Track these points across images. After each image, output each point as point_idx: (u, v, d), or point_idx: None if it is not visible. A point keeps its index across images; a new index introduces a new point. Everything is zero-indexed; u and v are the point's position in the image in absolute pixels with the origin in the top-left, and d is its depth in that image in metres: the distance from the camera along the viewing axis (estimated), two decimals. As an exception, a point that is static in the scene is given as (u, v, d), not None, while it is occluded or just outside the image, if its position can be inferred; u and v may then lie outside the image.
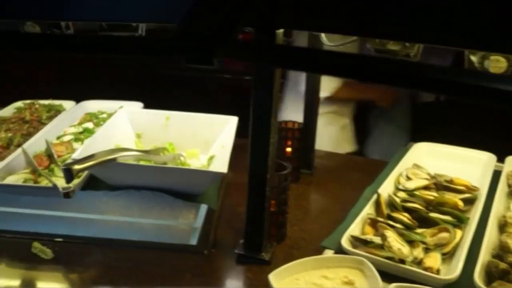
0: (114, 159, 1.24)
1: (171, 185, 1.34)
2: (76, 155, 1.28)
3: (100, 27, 1.63)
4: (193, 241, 1.28)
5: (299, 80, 2.22)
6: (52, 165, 1.44)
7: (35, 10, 1.13)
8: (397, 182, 1.51)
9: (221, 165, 1.29)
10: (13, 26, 1.36)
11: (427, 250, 1.20)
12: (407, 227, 1.27)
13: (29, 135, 1.64)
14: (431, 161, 1.67)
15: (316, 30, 1.16)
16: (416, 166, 1.62)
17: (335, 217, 1.52)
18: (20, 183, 1.32)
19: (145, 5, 0.95)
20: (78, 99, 1.93)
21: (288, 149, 1.67)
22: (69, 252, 1.27)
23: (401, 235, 1.21)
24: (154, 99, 1.84)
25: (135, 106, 1.82)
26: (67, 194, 1.20)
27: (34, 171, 1.39)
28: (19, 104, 1.89)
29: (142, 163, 1.36)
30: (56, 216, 1.29)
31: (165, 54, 0.87)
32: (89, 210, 1.32)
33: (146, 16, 0.88)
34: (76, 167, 1.14)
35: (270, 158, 1.14)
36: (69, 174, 1.14)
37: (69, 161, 1.39)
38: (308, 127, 1.75)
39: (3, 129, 1.68)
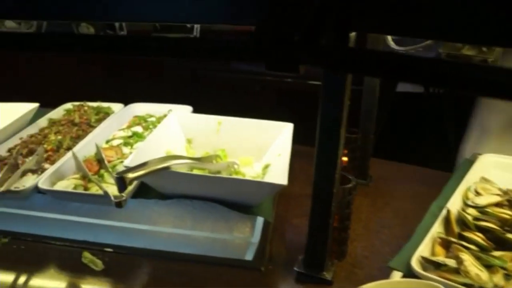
0: (167, 168, 1.17)
1: (225, 196, 1.27)
2: (128, 162, 1.22)
3: (154, 28, 1.58)
4: (249, 257, 1.20)
5: (484, 115, 2.08)
6: (102, 171, 1.39)
7: (89, 11, 1.08)
8: (465, 197, 1.39)
9: (280, 176, 1.21)
10: (68, 27, 1.33)
11: (507, 276, 1.08)
12: (482, 248, 1.16)
13: (78, 137, 1.60)
14: (499, 174, 1.54)
15: (393, 33, 1.07)
16: (484, 180, 1.49)
17: (396, 232, 1.42)
18: (70, 189, 1.27)
19: (208, 6, 0.89)
20: (126, 102, 1.89)
21: (345, 158, 1.58)
22: (119, 263, 1.22)
23: (477, 258, 1.10)
24: (201, 102, 1.79)
25: (184, 110, 1.76)
26: (119, 204, 1.14)
27: (84, 177, 1.34)
28: (69, 106, 1.86)
29: (195, 171, 1.30)
30: (106, 225, 1.24)
31: (243, 58, 0.80)
32: (139, 219, 1.27)
33: (216, 16, 0.81)
34: (130, 175, 1.08)
35: (337, 172, 1.05)
36: (122, 183, 1.08)
37: (121, 168, 1.34)
38: (365, 134, 1.65)
39: (53, 131, 1.65)
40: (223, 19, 0.85)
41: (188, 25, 1.30)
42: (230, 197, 1.28)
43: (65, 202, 1.30)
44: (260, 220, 1.27)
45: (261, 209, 1.30)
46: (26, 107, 1.70)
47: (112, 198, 1.16)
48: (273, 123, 1.54)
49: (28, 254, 1.26)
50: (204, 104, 1.76)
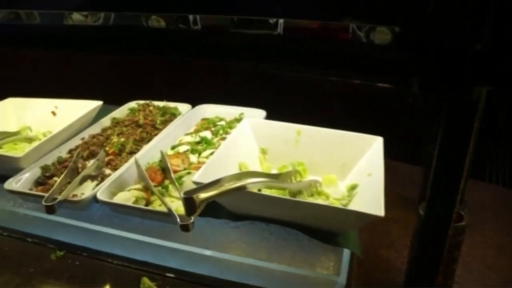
0: (243, 188, 1.00)
1: (307, 221, 1.09)
2: (197, 177, 1.06)
3: (231, 22, 1.41)
4: (333, 299, 1.01)
5: None
6: (167, 181, 1.24)
7: (161, 2, 0.93)
8: None
9: (374, 203, 1.01)
10: (136, 20, 1.20)
11: None
12: None
13: (141, 140, 1.46)
14: None
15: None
16: None
17: (505, 275, 1.19)
18: (131, 203, 1.12)
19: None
20: (192, 102, 1.74)
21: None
22: (181, 293, 1.07)
23: None
24: (271, 104, 1.61)
25: (257, 114, 1.59)
26: (185, 227, 0.99)
27: (146, 188, 1.19)
28: (133, 104, 1.74)
29: (274, 192, 1.12)
30: (169, 247, 1.08)
31: (386, 73, 0.61)
32: (206, 242, 1.10)
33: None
34: (201, 196, 0.92)
35: (456, 208, 0.84)
36: (191, 205, 0.92)
37: (188, 181, 1.19)
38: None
39: (116, 132, 1.52)
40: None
41: (271, 20, 1.11)
42: (312, 224, 1.10)
43: (125, 215, 1.17)
44: (346, 255, 1.08)
45: (347, 239, 1.11)
46: (90, 105, 1.59)
47: (178, 219, 1.00)
48: (361, 135, 1.33)
49: (82, 271, 1.13)
50: (275, 107, 1.58)
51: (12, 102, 1.71)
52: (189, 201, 0.91)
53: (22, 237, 1.24)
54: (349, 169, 1.33)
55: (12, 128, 1.62)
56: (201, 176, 1.07)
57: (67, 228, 1.18)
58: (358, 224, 1.09)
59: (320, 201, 1.16)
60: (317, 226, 1.10)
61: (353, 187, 1.24)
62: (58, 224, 1.18)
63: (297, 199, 1.10)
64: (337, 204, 1.16)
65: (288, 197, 1.09)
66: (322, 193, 1.21)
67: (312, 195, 1.20)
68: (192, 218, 0.99)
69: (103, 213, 1.20)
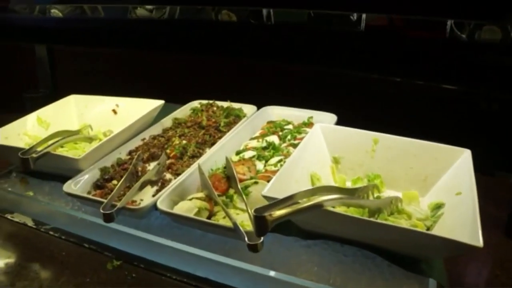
0: (319, 205, 0.88)
1: (387, 245, 0.96)
2: (267, 191, 0.96)
3: (308, 18, 1.29)
4: None
5: None
6: (231, 191, 1.14)
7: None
8: None
9: (469, 230, 0.87)
10: (205, 14, 1.11)
11: None
12: None
13: (204, 143, 1.38)
14: None
15: None
16: None
17: None
18: (193, 214, 1.03)
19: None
20: (257, 103, 1.63)
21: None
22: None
23: None
24: (343, 108, 1.47)
25: (328, 119, 1.46)
26: (254, 248, 0.88)
27: (209, 197, 1.10)
28: (196, 104, 1.65)
29: (352, 210, 1.00)
30: (232, 265, 0.98)
31: None
32: (273, 260, 1.00)
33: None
34: (274, 215, 0.81)
35: None
36: (262, 225, 0.81)
37: (255, 192, 1.09)
38: None
39: (177, 133, 1.44)
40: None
41: (353, 17, 0.99)
42: (393, 247, 0.97)
43: (186, 226, 1.08)
44: (432, 284, 0.94)
45: (431, 266, 0.97)
46: (151, 104, 1.52)
47: (246, 238, 0.89)
48: (445, 147, 1.19)
49: (138, 285, 1.05)
50: (345, 110, 1.45)
51: (74, 99, 1.67)
52: (260, 220, 0.81)
53: (79, 242, 1.18)
54: (432, 184, 1.19)
55: (73, 126, 1.59)
56: (271, 189, 0.97)
57: (124, 236, 1.11)
58: (448, 253, 0.95)
59: (402, 221, 1.03)
60: (398, 250, 0.97)
61: (438, 206, 1.10)
62: (116, 232, 1.11)
63: (380, 221, 0.97)
64: (421, 226, 1.03)
65: (370, 219, 0.97)
66: (403, 211, 1.08)
67: (391, 214, 1.07)
68: (262, 237, 0.88)
69: (163, 222, 1.12)
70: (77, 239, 1.19)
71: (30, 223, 1.27)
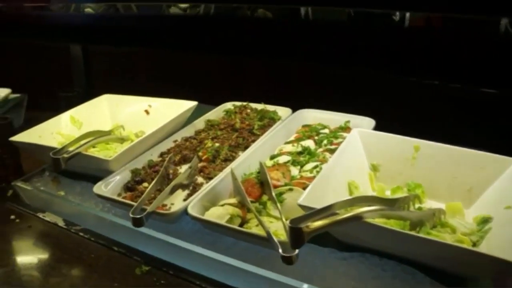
0: (358, 217, 0.83)
1: (429, 260, 0.90)
2: (303, 200, 0.91)
3: (348, 17, 1.23)
4: None
5: None
6: (265, 198, 1.10)
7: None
8: None
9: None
10: (242, 12, 1.07)
11: None
12: None
13: (237, 146, 1.34)
14: None
15: None
16: None
17: None
18: (225, 221, 0.99)
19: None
20: (290, 105, 1.58)
21: None
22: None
23: None
24: (381, 112, 1.41)
25: (365, 123, 1.40)
26: (288, 260, 0.84)
27: (242, 204, 1.06)
28: (229, 106, 1.62)
29: (393, 222, 0.94)
30: (264, 276, 0.93)
31: None
32: (308, 272, 0.95)
33: None
34: (311, 227, 0.76)
35: None
36: (298, 237, 0.77)
37: (290, 199, 1.05)
38: None
39: (210, 135, 1.41)
40: None
41: (396, 17, 0.93)
42: (436, 263, 0.91)
43: (218, 233, 1.04)
44: (479, 306, 0.88)
45: (478, 285, 0.91)
46: (184, 105, 1.49)
47: (280, 249, 0.85)
48: (493, 156, 1.12)
49: (167, 292, 1.02)
50: (383, 114, 1.38)
51: (107, 99, 1.66)
52: (296, 232, 0.76)
53: (108, 245, 1.16)
54: (477, 196, 1.12)
55: (106, 125, 1.58)
56: (307, 198, 0.92)
57: (154, 241, 1.08)
58: (497, 273, 0.88)
59: (446, 236, 0.96)
60: (441, 267, 0.91)
61: (484, 220, 1.03)
62: (145, 236, 1.09)
63: (424, 235, 0.90)
64: (467, 241, 0.96)
65: (413, 233, 0.91)
66: (446, 224, 1.01)
67: (434, 227, 1.01)
68: (297, 251, 0.84)
69: (194, 227, 1.09)
70: (106, 241, 1.17)
71: (61, 223, 1.26)
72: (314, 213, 0.82)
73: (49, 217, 1.29)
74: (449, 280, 0.90)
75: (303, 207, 0.90)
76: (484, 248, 0.94)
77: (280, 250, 0.85)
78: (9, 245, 1.21)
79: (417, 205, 1.07)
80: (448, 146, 1.17)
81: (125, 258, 1.12)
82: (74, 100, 1.92)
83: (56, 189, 1.34)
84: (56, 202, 1.30)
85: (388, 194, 1.17)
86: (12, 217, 1.30)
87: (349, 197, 0.93)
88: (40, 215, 1.30)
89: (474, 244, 0.96)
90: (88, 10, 1.10)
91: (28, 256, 1.16)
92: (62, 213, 1.28)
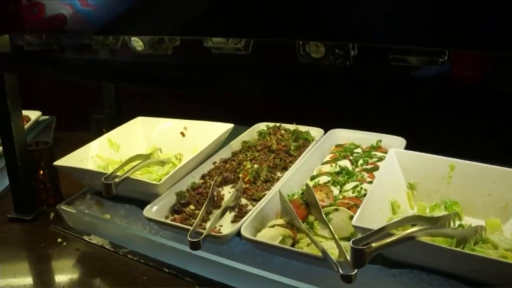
0: (412, 237, 0.88)
1: (475, 275, 0.95)
2: (356, 220, 0.96)
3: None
4: None
5: None
6: (311, 218, 1.15)
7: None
8: None
9: None
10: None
11: None
12: None
13: (275, 167, 1.39)
14: None
15: None
16: None
17: None
18: (278, 241, 1.04)
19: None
20: (323, 126, 1.63)
21: None
22: None
23: None
24: (411, 132, 1.45)
25: (397, 143, 1.45)
26: (348, 279, 0.88)
27: (291, 224, 1.11)
28: (262, 127, 1.67)
29: (440, 240, 0.99)
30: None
31: None
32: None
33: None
34: (372, 247, 0.81)
35: None
36: (361, 257, 0.81)
37: (336, 219, 1.09)
38: None
39: (248, 157, 1.46)
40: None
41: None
42: (481, 278, 0.95)
43: (268, 253, 1.09)
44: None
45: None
46: (221, 128, 1.54)
47: (340, 269, 0.89)
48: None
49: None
50: (413, 133, 1.43)
51: (141, 121, 1.71)
52: (358, 252, 0.81)
53: (159, 267, 1.20)
54: (512, 212, 1.16)
55: (141, 147, 1.63)
56: (359, 218, 0.97)
57: (206, 262, 1.12)
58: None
59: (491, 252, 1.01)
60: (486, 281, 0.95)
61: (522, 235, 1.07)
62: (196, 257, 1.13)
63: (474, 253, 0.95)
64: (510, 256, 1.00)
65: (464, 251, 0.95)
66: (487, 241, 1.05)
67: (476, 243, 1.05)
68: (356, 270, 0.88)
69: (244, 248, 1.13)
70: (156, 263, 1.21)
71: (107, 245, 1.30)
72: (372, 234, 0.86)
73: (95, 239, 1.33)
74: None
75: (357, 227, 0.94)
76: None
77: (340, 269, 0.89)
78: (60, 268, 1.25)
79: (457, 222, 1.11)
80: (483, 164, 1.22)
81: (177, 279, 1.16)
82: (105, 122, 1.97)
83: (101, 212, 1.38)
84: (101, 225, 1.34)
85: (427, 212, 1.21)
86: (59, 240, 1.34)
87: (399, 218, 0.97)
88: (86, 238, 1.34)
89: (516, 259, 1.01)
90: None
91: (82, 279, 1.20)
92: (108, 236, 1.32)
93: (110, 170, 1.39)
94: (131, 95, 2.13)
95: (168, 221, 1.19)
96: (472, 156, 1.26)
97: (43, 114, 2.11)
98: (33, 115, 2.04)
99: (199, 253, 1.11)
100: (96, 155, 1.55)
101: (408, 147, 1.41)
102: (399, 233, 0.87)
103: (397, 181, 1.24)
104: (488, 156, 1.25)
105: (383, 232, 0.89)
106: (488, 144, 1.53)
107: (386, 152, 1.36)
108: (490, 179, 1.20)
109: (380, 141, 1.48)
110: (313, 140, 1.54)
